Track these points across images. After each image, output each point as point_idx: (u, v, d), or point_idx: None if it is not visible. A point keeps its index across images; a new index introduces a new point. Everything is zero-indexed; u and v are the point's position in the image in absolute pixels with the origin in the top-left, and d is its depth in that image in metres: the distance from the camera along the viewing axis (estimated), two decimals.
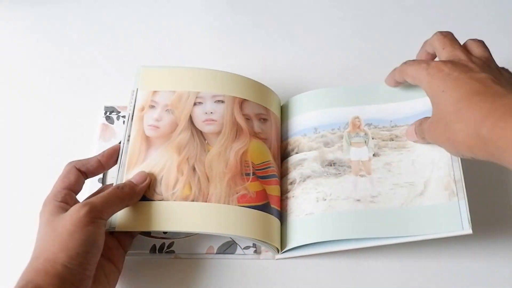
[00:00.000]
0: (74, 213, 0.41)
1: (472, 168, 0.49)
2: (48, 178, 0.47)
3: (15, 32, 0.66)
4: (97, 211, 0.41)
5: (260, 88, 0.54)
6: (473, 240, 0.49)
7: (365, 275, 0.49)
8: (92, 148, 0.55)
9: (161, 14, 0.67)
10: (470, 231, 0.43)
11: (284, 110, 0.56)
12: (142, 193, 0.46)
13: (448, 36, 0.46)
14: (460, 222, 0.44)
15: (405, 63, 0.47)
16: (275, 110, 0.55)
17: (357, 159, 0.50)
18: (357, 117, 0.52)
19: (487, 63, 0.44)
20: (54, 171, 0.47)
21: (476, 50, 0.45)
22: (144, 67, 0.53)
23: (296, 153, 0.52)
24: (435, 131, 0.43)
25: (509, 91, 0.39)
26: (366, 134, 0.51)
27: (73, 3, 0.68)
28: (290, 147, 0.53)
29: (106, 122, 0.57)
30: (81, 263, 0.39)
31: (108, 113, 0.57)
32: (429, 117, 0.45)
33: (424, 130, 0.46)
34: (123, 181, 0.46)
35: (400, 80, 0.49)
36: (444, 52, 0.45)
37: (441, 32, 0.47)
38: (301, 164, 0.51)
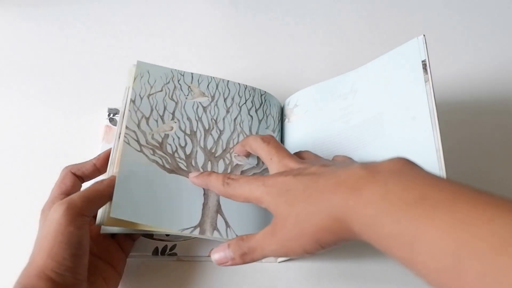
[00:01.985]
0: (53, 214, 0.39)
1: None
2: (52, 181, 0.47)
3: (18, 33, 0.66)
4: (77, 207, 0.40)
5: (258, 94, 0.54)
6: None
7: (367, 278, 0.48)
8: (95, 150, 0.55)
9: (164, 16, 0.68)
10: None
11: (283, 110, 0.56)
12: None
13: (272, 143, 0.43)
14: None
15: (240, 178, 0.42)
16: (274, 114, 0.54)
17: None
18: None
19: (315, 157, 0.43)
20: (58, 173, 0.47)
21: (302, 154, 0.45)
22: (135, 65, 0.52)
23: None
24: (280, 234, 0.37)
25: (340, 168, 0.36)
26: None
27: (77, 4, 0.68)
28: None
29: (109, 124, 0.57)
30: (70, 268, 0.38)
31: (111, 115, 0.57)
32: (252, 234, 0.40)
33: (253, 244, 0.39)
34: None
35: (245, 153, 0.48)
36: (272, 163, 0.42)
37: (262, 139, 0.44)
38: None
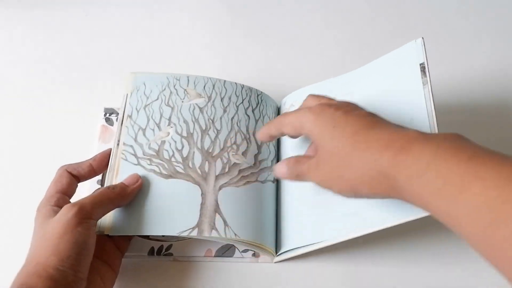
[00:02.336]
0: (63, 215, 0.41)
1: None
2: (48, 180, 0.46)
3: (14, 34, 0.66)
4: (86, 211, 0.41)
5: (255, 94, 0.54)
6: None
7: (363, 279, 0.48)
8: (91, 150, 0.55)
9: (160, 16, 0.68)
10: None
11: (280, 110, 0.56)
12: (133, 195, 0.45)
13: (321, 95, 0.45)
14: None
15: (279, 116, 0.45)
16: (271, 114, 0.55)
17: None
18: None
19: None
20: (54, 172, 0.47)
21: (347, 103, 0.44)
22: (133, 73, 0.53)
23: None
24: (325, 169, 0.39)
25: (401, 126, 0.37)
26: None
27: (73, 5, 0.68)
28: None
29: (105, 124, 0.57)
30: (73, 266, 0.39)
31: (107, 114, 0.57)
32: (308, 157, 0.41)
33: (305, 170, 0.41)
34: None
35: (276, 133, 0.45)
36: (316, 101, 0.44)
37: (310, 95, 0.46)
38: None
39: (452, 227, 0.31)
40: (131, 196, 0.45)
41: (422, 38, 0.47)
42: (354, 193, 0.37)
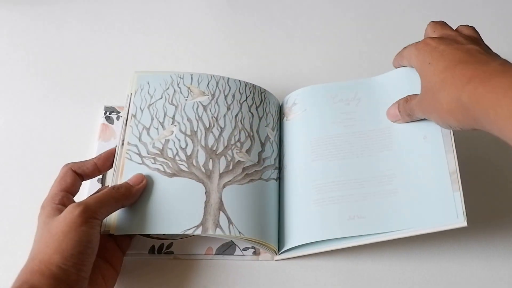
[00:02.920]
0: (68, 214, 0.41)
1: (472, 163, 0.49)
2: (49, 178, 0.46)
3: (14, 32, 0.66)
4: (91, 211, 0.41)
5: (258, 91, 0.54)
6: (472, 241, 0.50)
7: (364, 276, 0.49)
8: (92, 148, 0.55)
9: (160, 14, 0.68)
10: (464, 224, 0.42)
11: (282, 109, 0.56)
12: (138, 195, 0.46)
13: (440, 22, 0.48)
14: (454, 214, 0.43)
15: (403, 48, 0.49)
16: (273, 112, 0.55)
17: None
18: None
19: (476, 41, 0.44)
20: (54, 171, 0.47)
21: (466, 31, 0.46)
22: (137, 72, 0.53)
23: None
24: (424, 103, 0.44)
25: (492, 59, 0.39)
26: None
27: (74, 2, 0.68)
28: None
29: (106, 122, 0.57)
30: (76, 264, 0.39)
31: (108, 113, 0.57)
32: (416, 95, 0.46)
33: (413, 105, 0.46)
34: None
35: (398, 65, 0.51)
36: (434, 34, 0.47)
37: (433, 21, 0.48)
38: None
39: None
40: (136, 196, 0.45)
41: None
42: (448, 126, 0.42)
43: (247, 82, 0.54)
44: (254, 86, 0.54)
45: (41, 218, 0.42)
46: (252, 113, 0.53)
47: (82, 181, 0.47)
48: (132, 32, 0.66)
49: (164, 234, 0.50)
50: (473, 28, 0.46)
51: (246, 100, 0.53)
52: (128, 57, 0.63)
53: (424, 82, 0.43)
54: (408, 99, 0.47)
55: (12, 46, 0.64)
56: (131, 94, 0.51)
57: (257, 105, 0.54)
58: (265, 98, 0.55)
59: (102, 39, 0.65)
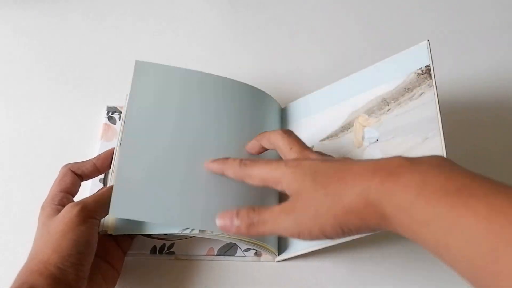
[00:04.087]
0: (67, 213, 0.41)
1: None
2: (51, 178, 0.47)
3: (17, 31, 0.66)
4: (89, 210, 0.41)
5: (258, 93, 0.53)
6: None
7: (365, 277, 0.48)
8: (94, 148, 0.55)
9: (162, 14, 0.67)
10: None
11: (284, 114, 0.56)
12: None
13: (293, 135, 0.43)
14: None
15: (249, 161, 0.42)
16: (274, 115, 0.54)
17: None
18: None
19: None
20: (57, 171, 0.47)
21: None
22: (138, 62, 0.51)
23: None
24: (300, 213, 0.36)
25: (379, 158, 0.35)
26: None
27: (75, 3, 0.68)
28: None
29: (108, 122, 0.57)
30: (74, 264, 0.39)
31: (110, 113, 0.57)
32: (265, 206, 0.39)
33: (267, 218, 0.38)
34: None
35: (238, 179, 0.43)
36: (292, 153, 0.41)
37: (282, 130, 0.44)
38: None
39: (442, 258, 0.30)
40: None
41: (428, 40, 0.47)
42: (342, 229, 0.35)
43: (247, 84, 0.53)
44: (254, 89, 0.53)
45: (41, 219, 0.43)
46: (251, 116, 0.52)
47: (82, 181, 0.47)
48: (136, 32, 0.66)
49: (165, 234, 0.49)
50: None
51: (246, 102, 0.52)
52: (130, 58, 0.63)
53: (308, 191, 0.36)
54: (255, 209, 0.39)
55: (15, 45, 0.65)
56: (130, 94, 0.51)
57: (257, 108, 0.53)
58: (265, 101, 0.54)
59: (105, 39, 0.65)
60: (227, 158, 0.44)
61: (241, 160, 0.42)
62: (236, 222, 0.39)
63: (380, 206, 0.32)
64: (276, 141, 0.43)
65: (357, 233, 0.35)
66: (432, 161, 0.32)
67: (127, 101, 0.50)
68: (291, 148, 0.42)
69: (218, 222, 0.40)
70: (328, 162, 0.37)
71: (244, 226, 0.38)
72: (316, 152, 0.41)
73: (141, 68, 0.51)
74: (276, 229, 0.38)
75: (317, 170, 0.36)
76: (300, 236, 0.36)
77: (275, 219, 0.37)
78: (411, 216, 0.30)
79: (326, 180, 0.35)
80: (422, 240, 0.31)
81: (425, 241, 0.31)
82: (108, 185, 0.51)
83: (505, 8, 0.67)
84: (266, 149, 0.47)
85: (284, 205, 0.37)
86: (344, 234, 0.35)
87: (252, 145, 0.47)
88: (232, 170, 0.42)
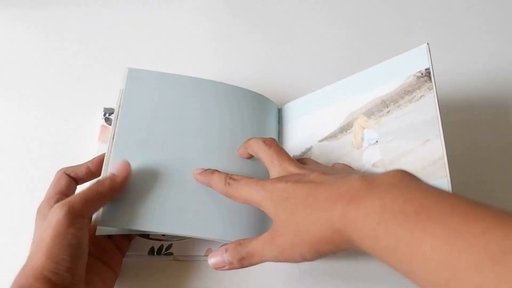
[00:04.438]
0: (54, 216, 0.39)
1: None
2: (48, 180, 0.46)
3: (14, 34, 0.66)
4: (77, 209, 0.39)
5: (255, 97, 0.54)
6: None
7: (364, 277, 0.49)
8: (91, 150, 0.55)
9: (159, 16, 0.68)
10: None
11: (281, 114, 0.56)
12: (124, 185, 0.44)
13: (273, 147, 0.44)
14: None
15: (232, 181, 0.43)
16: (271, 117, 0.54)
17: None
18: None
19: (315, 164, 0.44)
20: (54, 173, 0.47)
21: (303, 160, 0.45)
22: (129, 68, 0.52)
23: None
24: (280, 241, 0.38)
25: (339, 178, 0.36)
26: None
27: (73, 5, 0.68)
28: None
29: (105, 124, 0.57)
30: (69, 268, 0.38)
31: (107, 114, 0.57)
32: (249, 239, 0.41)
33: (252, 250, 0.40)
34: None
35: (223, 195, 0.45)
36: (273, 167, 0.43)
37: (264, 141, 0.45)
38: None
39: (413, 282, 0.30)
40: (123, 186, 0.44)
41: (427, 44, 0.47)
42: (320, 254, 0.36)
43: (243, 88, 0.53)
44: (250, 92, 0.54)
45: (37, 222, 0.43)
46: (248, 119, 0.52)
47: (77, 184, 0.47)
48: (132, 34, 0.66)
49: (163, 235, 0.49)
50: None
51: (242, 106, 0.52)
52: (128, 59, 0.63)
53: (282, 219, 0.38)
54: (240, 242, 0.41)
55: (11, 48, 0.64)
56: (122, 90, 0.50)
57: (254, 111, 0.53)
58: (262, 104, 0.54)
59: (101, 40, 0.65)
60: (213, 171, 0.45)
61: (226, 176, 0.43)
62: (227, 258, 0.41)
63: (346, 234, 0.33)
64: (258, 153, 0.45)
65: (336, 253, 0.36)
66: (391, 180, 0.33)
67: (120, 99, 0.50)
68: (272, 162, 0.43)
69: (211, 261, 0.42)
70: (300, 184, 0.38)
71: (236, 261, 0.40)
72: (298, 161, 0.43)
73: (133, 75, 0.51)
74: (264, 259, 0.39)
75: (289, 195, 0.38)
76: (287, 261, 0.38)
77: (261, 251, 0.39)
78: (376, 243, 0.31)
79: (296, 208, 0.37)
80: (392, 265, 0.31)
81: (394, 266, 0.31)
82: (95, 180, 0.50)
83: (504, 8, 0.68)
84: (252, 156, 0.48)
85: (267, 235, 0.39)
86: (323, 256, 0.37)
87: (241, 152, 0.49)
88: (217, 186, 0.44)
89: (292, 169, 0.41)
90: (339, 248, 0.35)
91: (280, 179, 0.40)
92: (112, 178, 0.43)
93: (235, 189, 0.42)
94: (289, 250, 0.37)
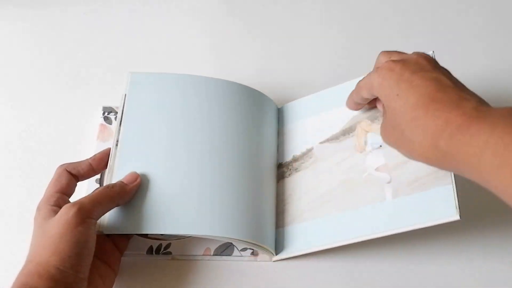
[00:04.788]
0: (64, 215, 0.40)
1: None
2: (47, 179, 0.46)
3: (14, 33, 0.66)
4: (87, 210, 0.41)
5: (254, 94, 0.54)
6: (472, 242, 0.50)
7: (362, 277, 0.49)
8: (90, 149, 0.55)
9: (158, 16, 0.67)
10: (457, 217, 0.40)
11: (281, 114, 0.56)
12: (132, 193, 0.45)
13: (394, 51, 0.45)
14: (447, 208, 0.41)
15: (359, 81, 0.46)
16: (270, 116, 0.55)
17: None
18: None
19: (438, 65, 0.42)
20: (52, 171, 0.47)
21: (423, 55, 0.43)
22: (131, 72, 0.52)
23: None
24: (391, 136, 0.41)
25: (464, 97, 0.37)
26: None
27: (72, 4, 0.68)
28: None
29: (104, 123, 0.57)
30: (73, 266, 0.39)
31: (106, 113, 0.57)
32: (381, 118, 0.44)
33: (379, 131, 0.44)
34: None
35: (358, 100, 0.47)
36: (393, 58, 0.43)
37: (386, 51, 0.46)
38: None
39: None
40: (131, 194, 0.45)
41: (433, 51, 0.47)
42: (413, 158, 0.39)
43: (243, 85, 0.53)
44: (250, 89, 0.54)
45: (37, 220, 0.42)
46: (247, 116, 0.52)
47: (78, 181, 0.47)
48: (131, 33, 0.66)
49: (162, 234, 0.50)
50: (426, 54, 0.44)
51: (242, 103, 0.52)
52: (127, 58, 0.63)
53: (391, 116, 0.40)
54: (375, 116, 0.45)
55: (11, 46, 0.64)
56: (126, 94, 0.51)
57: (253, 109, 0.53)
58: (262, 102, 0.54)
59: (101, 39, 0.65)
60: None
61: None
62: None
63: (450, 157, 0.35)
64: (378, 58, 0.45)
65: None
66: (503, 111, 0.34)
67: (123, 104, 0.50)
68: (390, 57, 0.43)
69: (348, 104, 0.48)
70: (414, 83, 0.38)
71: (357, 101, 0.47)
72: (414, 58, 0.42)
73: (135, 79, 0.51)
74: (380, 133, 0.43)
75: (401, 92, 0.39)
76: (392, 147, 0.41)
77: (382, 133, 0.43)
78: (481, 163, 0.33)
79: (402, 113, 0.38)
80: (492, 186, 0.33)
81: (495, 187, 0.32)
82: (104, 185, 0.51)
83: (504, 10, 0.67)
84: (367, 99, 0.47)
85: (383, 121, 0.42)
86: (415, 160, 0.39)
87: (352, 103, 0.49)
88: (352, 94, 0.48)
89: (413, 58, 0.41)
90: (435, 166, 0.38)
91: (396, 62, 0.41)
92: (122, 185, 0.45)
93: (360, 81, 0.46)
94: (394, 146, 0.41)
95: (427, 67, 0.40)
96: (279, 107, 0.57)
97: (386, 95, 0.40)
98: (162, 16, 0.67)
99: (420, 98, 0.37)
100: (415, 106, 0.37)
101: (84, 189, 0.52)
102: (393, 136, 0.40)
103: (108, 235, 0.46)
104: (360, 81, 0.45)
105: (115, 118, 0.57)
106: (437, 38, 0.65)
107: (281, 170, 0.53)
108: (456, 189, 0.41)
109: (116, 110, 0.57)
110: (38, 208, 0.43)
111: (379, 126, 0.47)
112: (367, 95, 0.45)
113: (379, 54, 0.46)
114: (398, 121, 0.39)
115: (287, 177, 0.52)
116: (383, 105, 0.42)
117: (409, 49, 0.50)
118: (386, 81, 0.40)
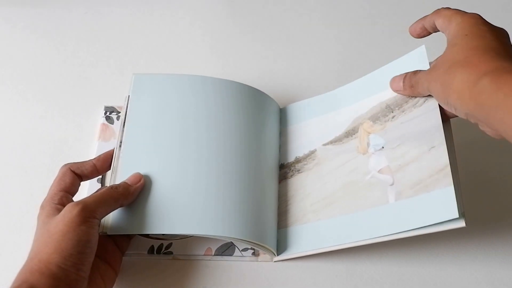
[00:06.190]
0: (67, 213, 0.41)
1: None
2: (49, 178, 0.47)
3: (16, 32, 0.66)
4: (90, 210, 0.41)
5: (257, 94, 0.54)
6: (473, 244, 0.50)
7: (363, 278, 0.49)
8: (92, 148, 0.55)
9: (160, 16, 0.68)
10: (462, 224, 0.40)
11: (283, 115, 0.56)
12: (136, 194, 0.46)
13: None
14: (448, 211, 0.40)
15: (436, 9, 0.47)
16: (273, 116, 0.55)
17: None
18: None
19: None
20: (55, 171, 0.47)
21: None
22: (136, 74, 0.52)
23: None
24: (435, 72, 0.42)
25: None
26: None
27: (73, 3, 0.68)
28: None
29: (106, 122, 0.57)
30: (75, 264, 0.39)
31: (108, 113, 0.57)
32: (418, 71, 0.46)
33: (420, 76, 0.45)
34: None
35: (429, 24, 0.47)
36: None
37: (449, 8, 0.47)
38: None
39: None
40: (134, 195, 0.45)
41: (424, 45, 0.47)
42: (446, 102, 0.41)
43: (245, 85, 0.54)
44: (252, 89, 0.54)
45: (41, 218, 0.43)
46: (250, 116, 0.52)
47: (81, 181, 0.47)
48: (132, 33, 0.66)
49: (163, 234, 0.50)
50: None
51: (244, 102, 0.53)
52: (128, 58, 0.63)
53: (448, 51, 0.42)
54: (417, 71, 0.46)
55: (13, 46, 0.64)
56: (129, 96, 0.51)
57: (256, 108, 0.53)
58: (264, 102, 0.54)
59: (102, 39, 0.65)
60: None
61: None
62: (401, 85, 0.47)
63: (485, 95, 0.36)
64: (446, 14, 0.46)
65: (453, 111, 0.41)
66: None
67: (127, 106, 0.50)
68: (463, 15, 0.44)
69: (391, 85, 0.48)
70: (486, 33, 0.41)
71: (408, 88, 0.46)
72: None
73: (138, 81, 0.52)
74: (423, 85, 0.44)
75: (472, 33, 0.41)
76: (430, 92, 0.44)
77: (423, 77, 0.44)
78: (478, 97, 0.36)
79: (464, 50, 0.40)
80: (498, 125, 0.35)
81: (501, 125, 0.35)
82: (105, 185, 0.51)
83: (502, 9, 0.68)
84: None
85: (432, 65, 0.45)
86: (446, 106, 0.42)
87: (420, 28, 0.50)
88: (425, 18, 0.48)
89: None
90: (460, 107, 0.39)
91: (479, 16, 0.43)
92: (125, 186, 0.45)
93: (443, 9, 0.46)
94: (433, 84, 0.42)
95: (501, 31, 0.42)
96: (281, 107, 0.57)
97: (456, 32, 0.42)
98: (165, 16, 0.68)
99: (482, 43, 0.40)
100: (476, 47, 0.40)
101: (86, 188, 0.52)
102: (437, 71, 0.42)
103: (109, 235, 0.46)
104: (442, 9, 0.46)
105: (117, 118, 0.57)
106: (437, 38, 0.65)
107: (283, 171, 0.53)
108: (462, 192, 0.41)
109: (118, 109, 0.57)
110: (42, 206, 0.44)
111: (381, 127, 0.47)
112: (440, 25, 0.46)
113: (440, 10, 0.46)
114: (451, 56, 0.41)
115: (289, 178, 0.52)
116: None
117: (409, 49, 0.50)
118: (464, 21, 0.43)
